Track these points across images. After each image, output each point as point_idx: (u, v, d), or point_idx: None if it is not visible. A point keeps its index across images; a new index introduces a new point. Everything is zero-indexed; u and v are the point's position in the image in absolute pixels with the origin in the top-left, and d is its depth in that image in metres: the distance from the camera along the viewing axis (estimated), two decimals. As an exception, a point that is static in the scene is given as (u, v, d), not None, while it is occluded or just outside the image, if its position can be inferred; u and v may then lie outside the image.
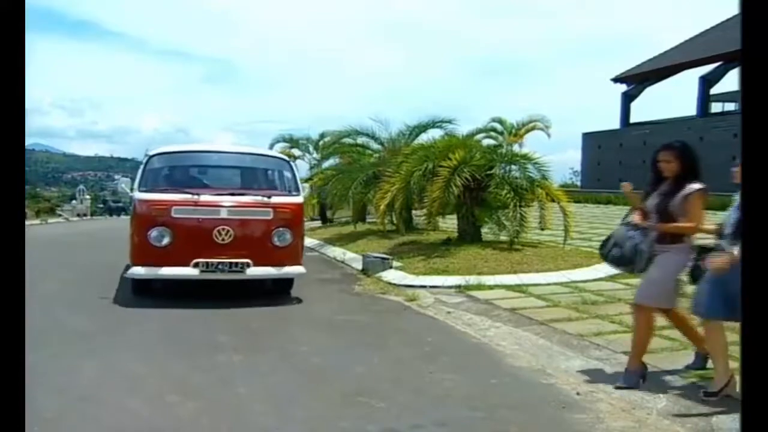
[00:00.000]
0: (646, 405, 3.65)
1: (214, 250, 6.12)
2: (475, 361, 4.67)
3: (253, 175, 7.78)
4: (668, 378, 4.09)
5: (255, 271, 6.27)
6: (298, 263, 6.64)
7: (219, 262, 6.12)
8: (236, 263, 6.17)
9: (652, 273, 3.98)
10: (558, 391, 3.93)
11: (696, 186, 3.89)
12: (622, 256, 4.05)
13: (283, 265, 6.44)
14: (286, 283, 6.89)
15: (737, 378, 3.57)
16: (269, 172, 7.78)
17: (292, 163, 7.64)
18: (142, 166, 6.89)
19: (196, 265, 6.09)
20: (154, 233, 6.09)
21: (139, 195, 6.46)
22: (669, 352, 4.61)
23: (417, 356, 4.75)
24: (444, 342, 5.21)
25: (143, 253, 6.20)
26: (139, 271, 6.18)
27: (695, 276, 3.88)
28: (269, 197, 6.46)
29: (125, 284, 6.75)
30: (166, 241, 6.12)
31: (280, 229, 6.38)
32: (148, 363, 4.39)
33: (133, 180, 6.84)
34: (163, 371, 4.22)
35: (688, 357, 4.42)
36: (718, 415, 3.44)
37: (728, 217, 3.74)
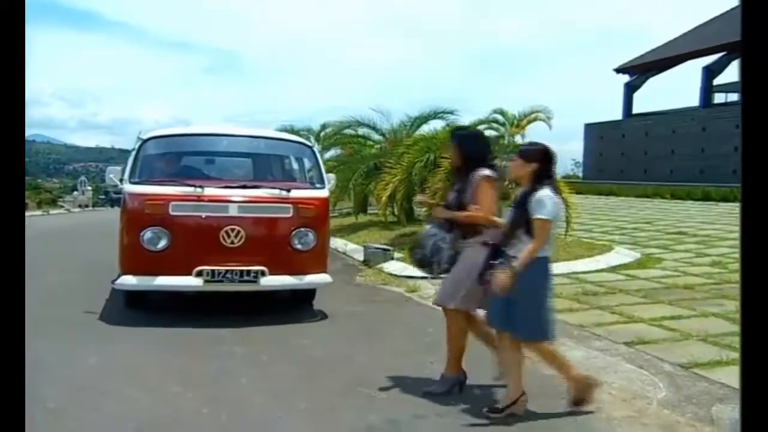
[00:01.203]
0: (646, 395, 3.66)
1: (221, 255, 5.11)
2: (476, 352, 4.66)
3: (268, 163, 6.81)
4: (668, 368, 4.10)
5: (271, 281, 5.26)
6: (323, 270, 5.57)
7: (227, 271, 5.10)
8: (248, 271, 5.16)
9: (452, 271, 3.68)
10: (559, 382, 3.92)
11: (481, 173, 3.56)
12: (424, 257, 3.73)
13: (304, 272, 5.41)
14: (307, 293, 5.89)
15: (526, 399, 3.38)
16: (288, 160, 6.79)
17: (315, 149, 6.38)
18: (133, 153, 5.69)
19: (199, 274, 5.08)
20: (148, 235, 5.08)
21: (130, 187, 5.37)
22: (670, 343, 4.62)
23: (418, 347, 4.75)
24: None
25: (135, 259, 5.18)
26: (130, 281, 5.16)
27: (484, 277, 3.42)
28: (288, 191, 5.43)
29: (117, 294, 5.69)
30: (162, 244, 5.10)
31: (302, 229, 5.35)
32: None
33: (124, 169, 5.72)
34: (166, 364, 4.24)
35: (689, 348, 4.44)
36: (718, 405, 3.45)
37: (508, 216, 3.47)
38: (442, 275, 3.77)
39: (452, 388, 3.72)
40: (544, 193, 3.22)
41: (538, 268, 3.29)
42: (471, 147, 3.73)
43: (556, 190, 3.33)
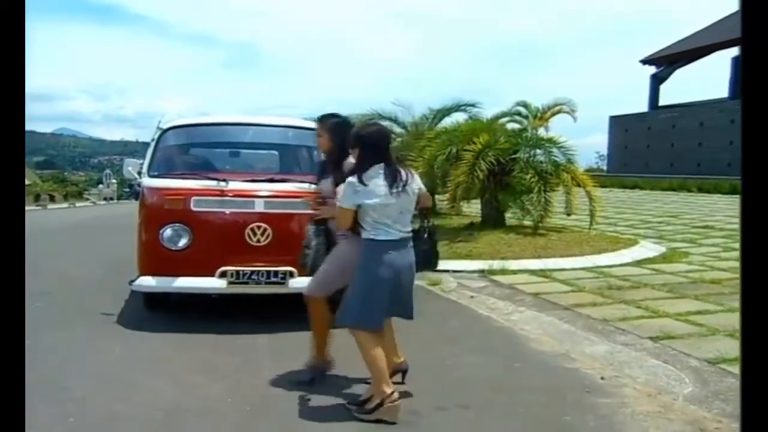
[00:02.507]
0: (672, 390, 3.61)
1: (246, 254, 4.75)
2: (499, 345, 4.66)
3: (296, 155, 6.28)
4: (694, 363, 4.04)
5: (300, 283, 4.60)
6: None
7: (253, 271, 4.74)
8: (276, 272, 4.77)
9: (326, 262, 3.58)
10: (582, 376, 3.91)
11: (348, 162, 3.45)
12: (301, 255, 3.64)
13: None
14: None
15: (396, 404, 3.17)
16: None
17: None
18: (152, 144, 5.36)
19: (222, 275, 4.72)
20: (167, 232, 4.74)
21: (148, 181, 5.05)
22: (696, 338, 4.55)
23: (440, 340, 4.75)
24: (467, 326, 5.20)
25: (154, 259, 4.84)
26: (148, 282, 4.84)
27: None
28: (404, 187, 5.24)
29: (136, 294, 5.36)
30: (183, 242, 4.77)
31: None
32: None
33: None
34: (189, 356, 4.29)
35: (716, 343, 4.37)
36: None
37: None
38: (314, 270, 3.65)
39: (313, 377, 3.70)
40: (347, 180, 3.23)
41: (365, 252, 3.25)
42: (344, 135, 3.53)
43: (387, 173, 3.23)
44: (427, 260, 3.54)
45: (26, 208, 21.61)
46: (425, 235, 3.59)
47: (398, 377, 3.64)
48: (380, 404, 3.15)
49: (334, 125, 3.63)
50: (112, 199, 30.09)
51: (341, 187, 3.29)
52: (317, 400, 3.45)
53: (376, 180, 3.18)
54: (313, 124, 6.63)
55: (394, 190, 3.20)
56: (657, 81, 25.54)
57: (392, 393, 3.17)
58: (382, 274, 3.21)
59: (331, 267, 3.52)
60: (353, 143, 3.31)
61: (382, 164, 3.21)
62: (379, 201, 3.17)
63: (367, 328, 3.26)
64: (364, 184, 3.16)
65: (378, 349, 3.26)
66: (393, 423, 3.12)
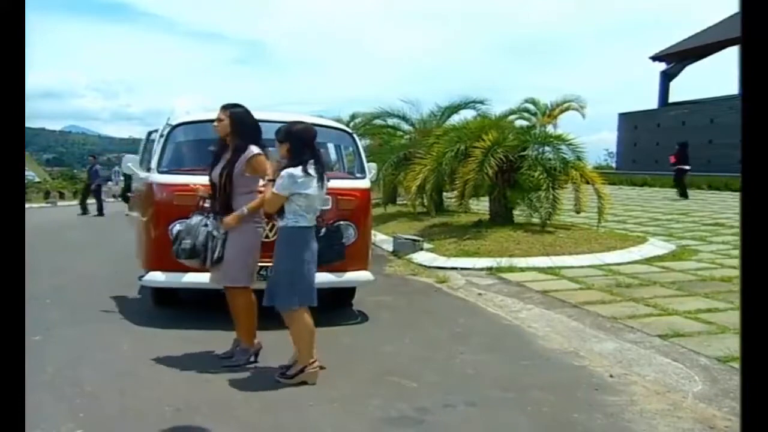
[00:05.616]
0: (681, 388, 3.59)
1: None
2: (507, 342, 4.65)
3: None
4: (704, 361, 4.02)
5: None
6: (364, 267, 5.19)
7: (261, 267, 4.54)
8: None
9: (230, 252, 3.88)
10: (591, 374, 3.90)
11: (255, 150, 3.88)
12: (195, 247, 3.87)
13: (344, 269, 4.90)
14: (346, 292, 5.44)
15: (316, 370, 3.64)
16: (325, 147, 6.41)
17: (355, 136, 5.95)
18: (161, 140, 5.34)
19: None
20: (177, 228, 4.63)
21: (157, 177, 5.06)
22: (706, 336, 4.53)
23: (448, 337, 4.75)
24: (475, 323, 5.19)
25: (163, 254, 4.73)
26: (157, 277, 4.86)
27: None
28: (327, 180, 5.07)
29: (145, 290, 5.48)
30: None
31: (342, 222, 4.93)
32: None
33: (144, 157, 5.18)
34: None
35: (726, 341, 4.34)
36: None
37: None
38: (215, 263, 3.94)
39: (250, 358, 4.00)
40: (287, 171, 3.54)
41: (290, 238, 3.61)
42: (244, 120, 3.96)
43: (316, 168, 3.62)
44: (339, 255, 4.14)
45: (36, 205, 21.73)
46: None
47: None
48: (302, 370, 3.59)
49: (236, 109, 3.98)
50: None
51: (261, 166, 3.76)
52: (327, 396, 3.45)
53: (311, 172, 3.56)
54: (325, 121, 6.66)
55: (323, 184, 3.64)
56: (667, 78, 25.41)
57: (314, 361, 3.62)
58: (307, 257, 3.62)
59: (249, 255, 3.91)
60: (283, 139, 3.63)
61: (313, 160, 3.60)
62: (311, 192, 3.55)
63: (303, 305, 3.64)
64: (308, 175, 3.52)
65: (309, 322, 3.67)
66: (313, 384, 3.56)
